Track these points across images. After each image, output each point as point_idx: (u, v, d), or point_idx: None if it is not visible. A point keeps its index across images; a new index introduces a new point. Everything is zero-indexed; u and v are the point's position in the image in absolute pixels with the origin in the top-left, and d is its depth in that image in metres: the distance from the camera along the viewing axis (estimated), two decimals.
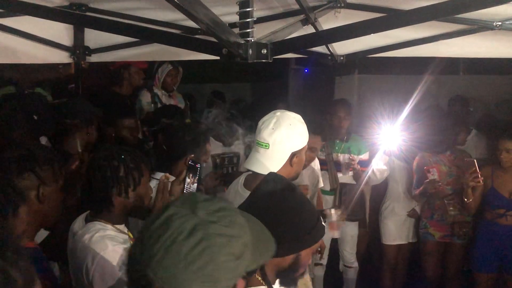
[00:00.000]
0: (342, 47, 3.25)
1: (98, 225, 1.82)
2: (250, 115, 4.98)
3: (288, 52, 1.33)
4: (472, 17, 2.68)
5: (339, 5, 2.76)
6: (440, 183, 3.67)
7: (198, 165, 2.18)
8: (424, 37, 2.92)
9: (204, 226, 0.94)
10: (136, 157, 1.89)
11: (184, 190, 2.12)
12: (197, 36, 1.41)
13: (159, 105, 4.48)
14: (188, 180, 2.14)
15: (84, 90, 3.38)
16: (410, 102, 4.06)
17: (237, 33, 1.34)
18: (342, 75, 6.28)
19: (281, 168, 2.14)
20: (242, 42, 1.31)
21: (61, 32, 3.21)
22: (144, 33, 1.50)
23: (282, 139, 2.11)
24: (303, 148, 2.17)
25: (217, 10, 2.58)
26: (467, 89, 5.44)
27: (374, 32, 1.35)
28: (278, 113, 2.13)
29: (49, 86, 3.80)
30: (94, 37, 3.31)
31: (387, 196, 4.18)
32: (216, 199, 1.04)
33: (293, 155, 2.14)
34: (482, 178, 3.43)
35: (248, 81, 7.08)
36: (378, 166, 3.86)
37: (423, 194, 3.82)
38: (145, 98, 4.45)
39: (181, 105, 4.76)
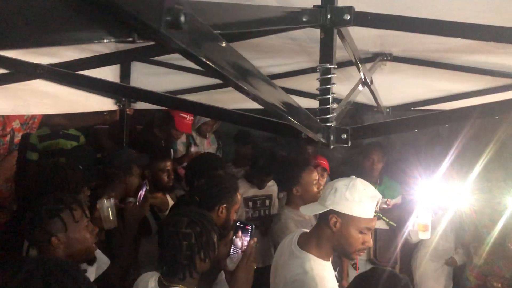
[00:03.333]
0: (388, 99, 3.25)
1: None
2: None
3: (367, 137, 1.35)
4: None
5: (385, 58, 2.78)
6: None
7: (249, 227, 2.14)
8: (472, 90, 2.91)
9: None
10: (210, 218, 1.93)
11: (230, 252, 2.11)
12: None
13: (193, 146, 4.50)
14: (237, 242, 2.12)
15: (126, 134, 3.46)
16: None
17: (317, 118, 1.36)
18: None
19: (320, 228, 2.07)
20: (323, 127, 1.33)
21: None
22: (210, 111, 1.50)
23: (328, 189, 2.07)
24: (350, 218, 1.97)
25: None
26: None
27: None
28: (354, 177, 2.09)
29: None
30: (139, 85, 3.37)
31: (422, 243, 4.08)
32: None
33: (332, 215, 2.00)
34: None
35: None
36: (414, 227, 3.78)
37: None
38: (180, 138, 4.49)
39: (214, 146, 4.80)
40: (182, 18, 0.49)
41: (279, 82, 3.27)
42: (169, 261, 1.89)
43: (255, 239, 2.06)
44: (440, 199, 3.82)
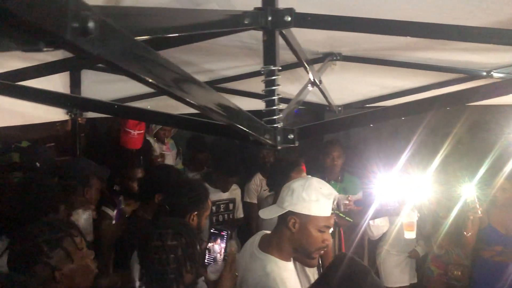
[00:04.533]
0: (340, 98, 3.31)
1: None
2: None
3: (314, 136, 1.37)
4: (466, 67, 2.78)
5: (335, 58, 2.84)
6: None
7: (225, 233, 2.11)
8: (419, 86, 3.00)
9: None
10: (192, 228, 1.90)
11: (205, 259, 2.09)
12: None
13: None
14: (213, 249, 2.09)
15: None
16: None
17: (264, 119, 1.36)
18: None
19: (280, 229, 2.07)
20: (270, 128, 1.33)
21: (57, 89, 3.18)
22: (160, 118, 1.48)
23: (285, 191, 2.06)
24: (308, 217, 1.98)
25: None
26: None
27: (402, 116, 1.35)
28: (309, 176, 2.10)
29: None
30: (91, 94, 3.29)
31: (385, 238, 4.14)
32: None
33: (291, 216, 2.00)
34: (481, 209, 3.47)
35: None
36: (375, 222, 3.84)
37: None
38: None
39: (174, 151, 4.75)
40: (91, 24, 0.48)
41: (232, 85, 3.28)
42: (156, 276, 1.83)
43: (235, 247, 2.05)
44: (399, 193, 3.89)
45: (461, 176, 3.59)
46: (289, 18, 1.32)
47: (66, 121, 3.32)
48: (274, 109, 1.35)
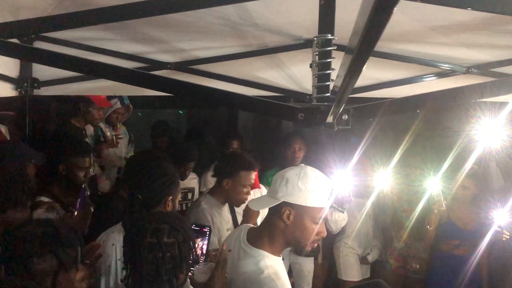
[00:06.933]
0: None
1: None
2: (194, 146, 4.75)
3: (368, 118, 1.23)
4: (448, 61, 2.79)
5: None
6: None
7: (207, 229, 1.92)
8: (400, 78, 2.97)
9: None
10: (188, 223, 1.69)
11: None
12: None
13: (102, 139, 4.09)
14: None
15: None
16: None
17: (314, 96, 1.19)
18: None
19: (272, 221, 1.92)
20: (322, 107, 1.17)
21: (6, 61, 2.76)
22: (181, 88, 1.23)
23: (278, 180, 1.90)
24: (304, 208, 1.84)
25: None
26: None
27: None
28: (303, 165, 1.93)
29: None
30: (43, 68, 2.91)
31: (345, 232, 4.08)
32: None
33: (285, 207, 1.86)
34: (445, 202, 3.52)
35: (188, 108, 6.59)
36: (333, 216, 3.74)
37: None
38: (88, 131, 4.04)
39: (125, 138, 4.41)
40: None
41: (208, 67, 3.04)
42: (148, 278, 1.59)
43: (225, 244, 1.84)
44: (354, 187, 3.86)
45: (425, 170, 3.62)
46: None
47: (13, 98, 2.90)
48: (328, 85, 1.18)
